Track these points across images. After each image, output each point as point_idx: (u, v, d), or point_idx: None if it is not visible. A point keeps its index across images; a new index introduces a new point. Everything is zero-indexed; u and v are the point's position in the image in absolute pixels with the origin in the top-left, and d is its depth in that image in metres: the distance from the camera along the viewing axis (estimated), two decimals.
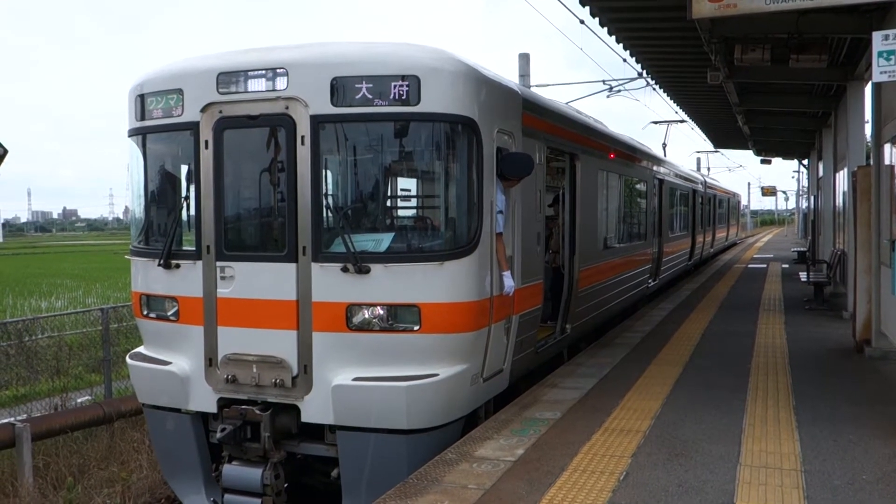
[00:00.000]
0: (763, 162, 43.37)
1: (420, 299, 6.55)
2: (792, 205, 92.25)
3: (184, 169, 7.38)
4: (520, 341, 8.04)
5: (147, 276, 7.48)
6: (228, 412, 6.90)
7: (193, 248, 7.11)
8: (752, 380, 8.96)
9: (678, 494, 5.40)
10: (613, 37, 13.94)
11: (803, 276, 18.11)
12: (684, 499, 5.32)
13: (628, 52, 15.53)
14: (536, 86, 22.77)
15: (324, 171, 6.84)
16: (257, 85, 6.78)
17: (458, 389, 6.81)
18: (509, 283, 7.38)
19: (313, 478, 7.34)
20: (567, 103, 13.43)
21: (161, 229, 7.60)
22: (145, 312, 7.54)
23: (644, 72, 18.44)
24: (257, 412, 6.78)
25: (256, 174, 6.99)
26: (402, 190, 7.76)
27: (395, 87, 6.48)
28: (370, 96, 6.51)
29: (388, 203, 7.57)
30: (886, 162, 10.45)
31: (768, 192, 75.39)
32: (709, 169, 56.53)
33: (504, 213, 7.38)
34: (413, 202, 7.98)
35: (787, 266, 27.78)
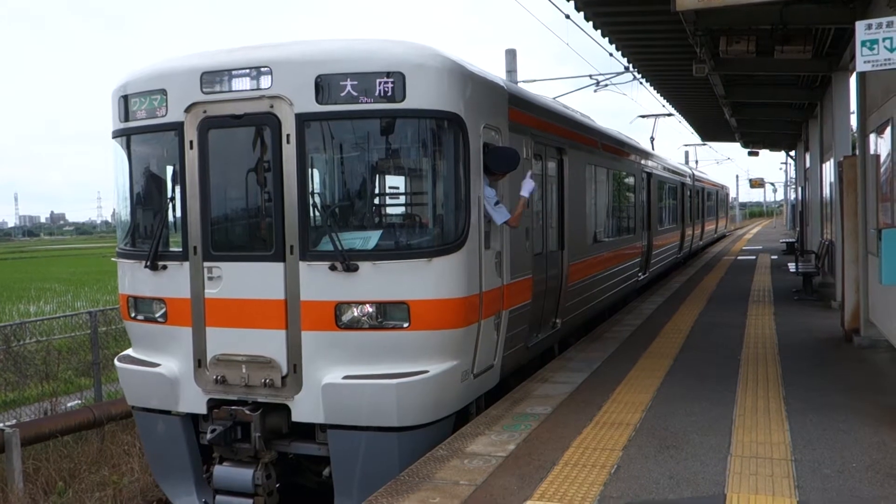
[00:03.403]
0: (750, 154, 43.51)
1: (409, 296, 6.53)
2: (780, 196, 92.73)
3: (169, 170, 7.34)
4: (510, 337, 8.04)
5: (134, 278, 7.44)
6: (218, 413, 6.87)
7: (180, 249, 7.07)
8: (742, 371, 8.99)
9: (669, 486, 5.41)
10: (599, 31, 13.94)
11: (792, 266, 18.20)
12: (676, 490, 5.33)
13: (614, 46, 15.53)
14: (523, 81, 22.78)
15: (310, 169, 6.82)
16: (241, 84, 6.75)
17: (449, 386, 6.80)
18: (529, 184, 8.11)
19: (305, 477, 7.33)
20: (554, 98, 13.44)
21: (147, 231, 7.56)
22: (133, 315, 7.50)
23: (630, 66, 18.45)
24: (247, 412, 6.75)
25: (242, 174, 6.96)
26: (389, 187, 7.74)
27: (379, 83, 6.45)
28: (355, 94, 6.49)
29: (376, 200, 7.54)
30: (872, 151, 10.48)
31: (756, 184, 75.56)
32: (697, 162, 56.80)
33: (501, 203, 7.51)
34: (400, 199, 7.95)
35: (775, 257, 27.91)
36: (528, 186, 8.12)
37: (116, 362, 7.71)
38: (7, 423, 9.81)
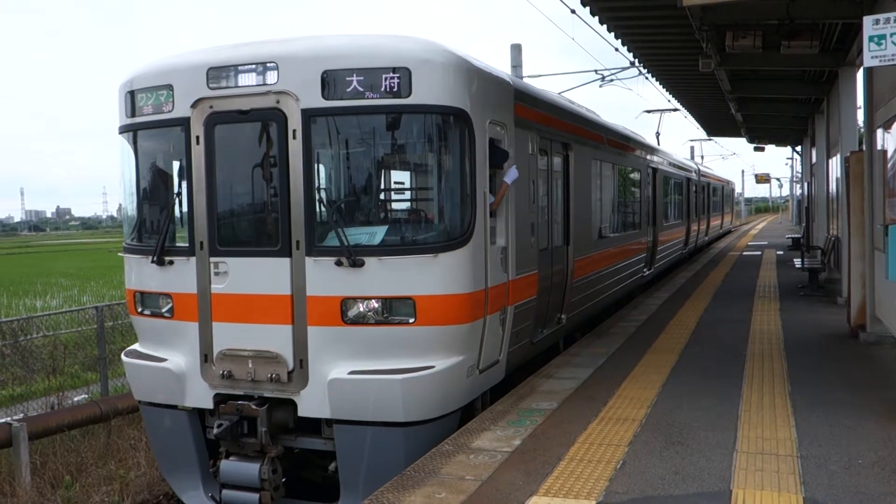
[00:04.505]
0: (756, 149, 43.44)
1: (415, 292, 6.54)
2: (786, 192, 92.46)
3: (175, 165, 7.36)
4: (515, 332, 8.05)
5: (141, 274, 7.46)
6: (225, 408, 6.89)
7: (187, 245, 7.09)
8: (747, 366, 8.98)
9: (675, 482, 5.41)
10: (604, 26, 13.92)
11: (798, 262, 18.15)
12: (681, 486, 5.34)
13: (620, 41, 15.51)
14: (529, 76, 22.74)
15: (316, 164, 6.84)
16: (248, 79, 6.76)
17: (454, 381, 6.81)
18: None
19: (311, 472, 7.35)
20: (560, 93, 13.42)
21: (154, 226, 7.58)
22: (140, 310, 7.52)
23: (636, 61, 18.42)
24: (254, 407, 6.77)
25: (248, 169, 6.97)
26: (395, 182, 7.75)
27: (385, 79, 6.46)
28: (361, 89, 6.49)
29: (382, 196, 7.56)
30: (878, 147, 10.44)
31: (762, 179, 75.45)
32: (702, 157, 56.64)
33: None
34: (406, 195, 7.97)
35: (781, 253, 27.84)
36: (511, 175, 7.81)
37: (123, 357, 7.74)
38: (15, 418, 9.86)
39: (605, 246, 12.69)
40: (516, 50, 20.37)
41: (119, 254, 7.95)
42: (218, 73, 6.84)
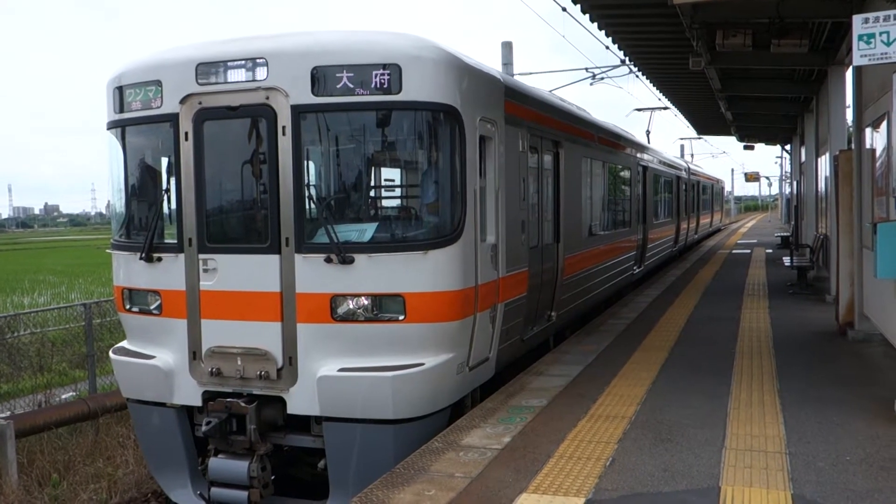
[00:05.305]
0: (746, 148, 43.59)
1: (404, 289, 6.53)
2: (775, 190, 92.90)
3: (164, 161, 7.33)
4: (505, 329, 8.04)
5: (129, 271, 7.42)
6: (213, 405, 6.87)
7: (175, 241, 7.05)
8: (736, 364, 9.01)
9: (664, 479, 5.42)
10: (595, 24, 13.92)
11: (787, 260, 18.22)
12: (670, 483, 5.34)
13: (610, 39, 15.53)
14: (520, 74, 22.73)
15: (306, 161, 6.81)
16: (237, 75, 6.73)
17: (444, 378, 6.81)
18: None
19: (300, 469, 7.33)
20: (550, 91, 13.42)
21: (142, 223, 7.54)
22: (128, 307, 7.48)
23: (627, 59, 18.45)
24: (242, 405, 6.75)
25: (238, 165, 6.94)
26: (385, 179, 7.73)
27: (376, 75, 6.44)
28: (351, 85, 6.47)
29: (371, 193, 7.53)
30: (867, 146, 10.49)
31: (752, 177, 75.75)
32: (692, 155, 56.78)
33: None
34: (396, 192, 7.94)
35: (770, 251, 27.96)
36: None
37: (111, 354, 7.70)
38: (1, 415, 9.79)
39: (595, 244, 12.71)
40: (507, 47, 20.33)
41: (107, 250, 7.90)
42: (207, 68, 6.80)
